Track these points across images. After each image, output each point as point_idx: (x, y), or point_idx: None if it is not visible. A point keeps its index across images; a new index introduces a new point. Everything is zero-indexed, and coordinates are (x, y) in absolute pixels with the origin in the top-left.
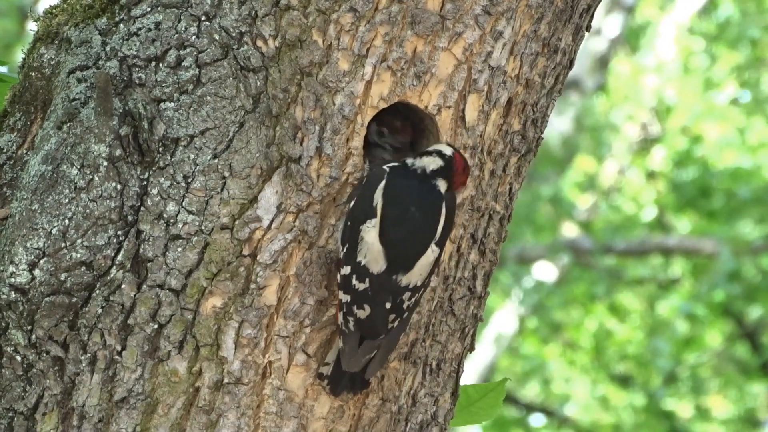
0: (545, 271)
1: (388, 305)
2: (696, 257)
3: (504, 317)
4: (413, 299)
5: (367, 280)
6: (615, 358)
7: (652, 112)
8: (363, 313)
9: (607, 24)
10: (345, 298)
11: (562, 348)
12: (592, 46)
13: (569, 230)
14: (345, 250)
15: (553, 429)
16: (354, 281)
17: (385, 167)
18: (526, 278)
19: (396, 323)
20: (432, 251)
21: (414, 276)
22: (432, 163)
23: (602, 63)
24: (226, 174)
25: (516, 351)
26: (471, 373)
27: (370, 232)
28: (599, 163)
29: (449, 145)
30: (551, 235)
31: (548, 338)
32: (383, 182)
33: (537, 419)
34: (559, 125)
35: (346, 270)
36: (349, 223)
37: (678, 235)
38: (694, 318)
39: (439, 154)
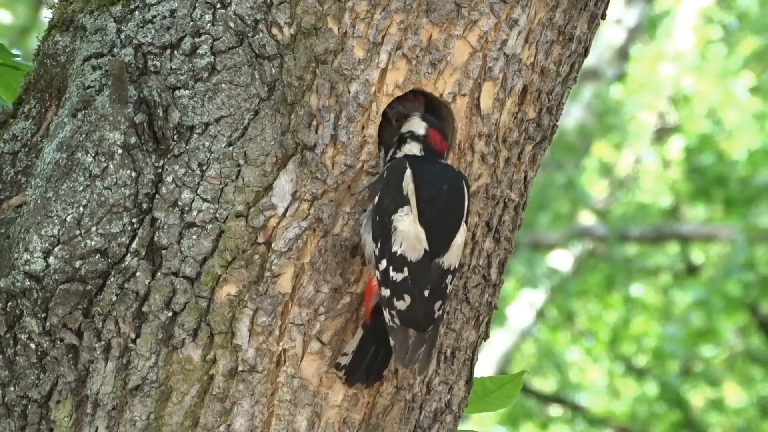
0: (561, 260)
1: (426, 293)
2: (711, 243)
3: (520, 307)
4: (453, 282)
5: (405, 269)
6: (631, 350)
7: (670, 101)
8: (403, 304)
9: (627, 14)
10: (385, 293)
11: (574, 337)
12: (611, 36)
13: (586, 219)
14: (379, 245)
15: (567, 419)
16: (392, 273)
17: (400, 157)
18: (540, 264)
19: (441, 310)
20: (463, 230)
21: (452, 257)
22: (413, 149)
23: (622, 53)
24: (241, 162)
25: (532, 340)
26: (487, 362)
27: (404, 220)
28: (616, 151)
29: (423, 118)
30: (567, 222)
31: (562, 326)
32: (408, 170)
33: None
34: (576, 113)
35: (383, 264)
36: (378, 218)
37: (693, 222)
38: (709, 307)
39: (413, 137)
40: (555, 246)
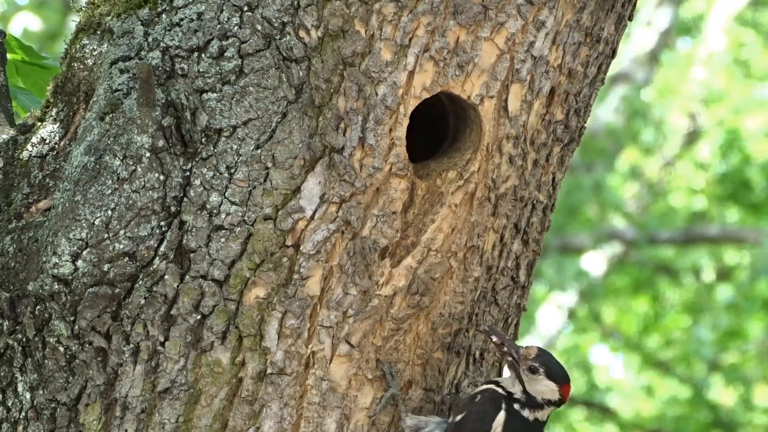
0: (593, 263)
1: None
2: (739, 246)
3: (549, 310)
4: None
5: None
6: (660, 349)
7: (702, 104)
8: None
9: (657, 17)
10: None
11: (603, 338)
12: (641, 39)
13: (616, 222)
14: None
15: (596, 421)
16: None
17: (495, 394)
18: (569, 267)
19: None
20: None
21: None
22: (546, 414)
23: (652, 56)
24: (269, 164)
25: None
26: None
27: None
28: (646, 155)
29: (550, 375)
30: (595, 225)
31: (590, 328)
32: (502, 415)
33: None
34: (605, 116)
35: None
36: None
37: (720, 224)
38: (739, 311)
39: (550, 403)
40: (585, 249)
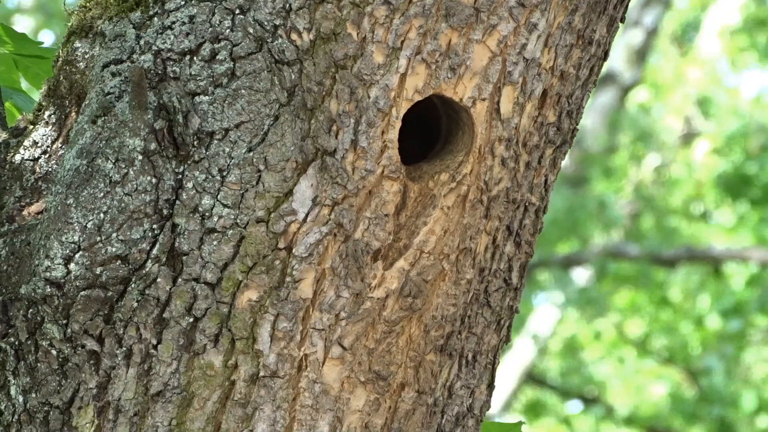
0: (583, 275)
1: None
2: (745, 265)
3: (542, 316)
4: None
5: None
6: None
7: (696, 105)
8: None
9: (644, 16)
10: None
11: (597, 332)
12: (628, 38)
13: (614, 236)
14: None
15: (590, 416)
16: None
17: None
18: (570, 284)
19: None
20: None
21: None
22: None
23: (639, 56)
24: (262, 167)
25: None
26: (511, 371)
27: None
28: (639, 158)
29: None
30: (589, 240)
31: (586, 324)
32: None
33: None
34: (595, 118)
35: None
36: None
37: (725, 241)
38: (743, 341)
39: None
40: (585, 263)
